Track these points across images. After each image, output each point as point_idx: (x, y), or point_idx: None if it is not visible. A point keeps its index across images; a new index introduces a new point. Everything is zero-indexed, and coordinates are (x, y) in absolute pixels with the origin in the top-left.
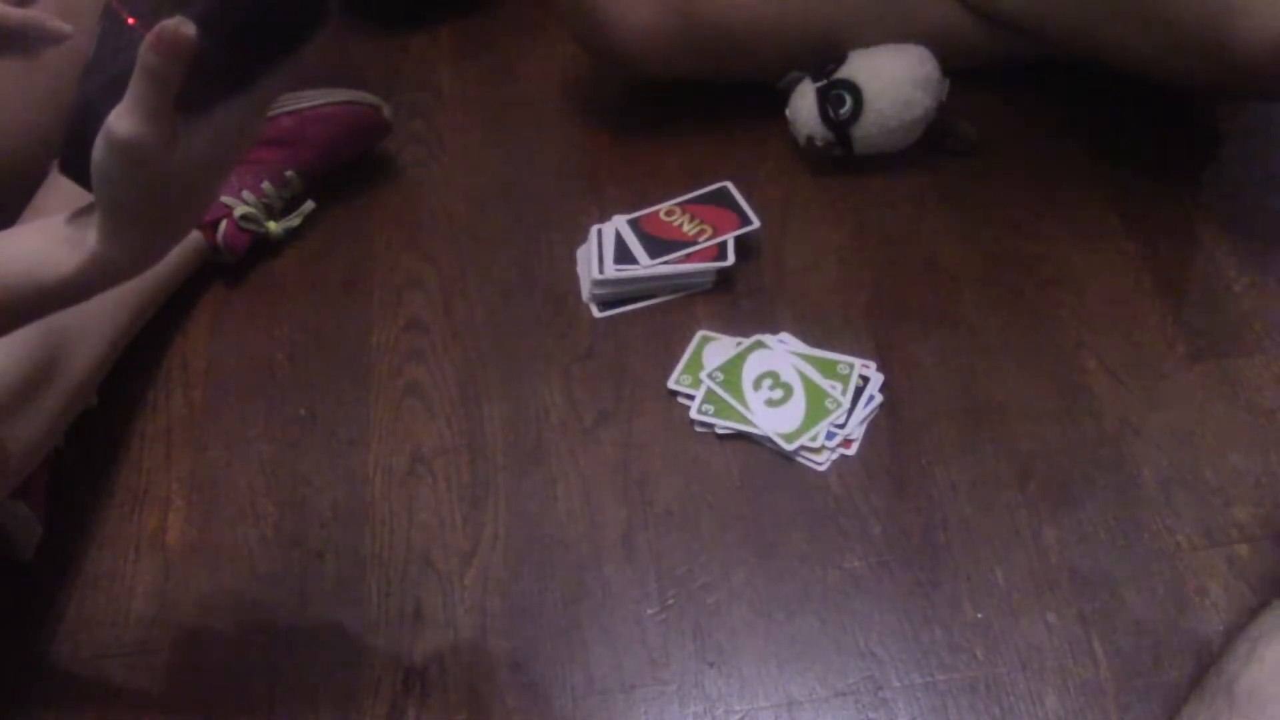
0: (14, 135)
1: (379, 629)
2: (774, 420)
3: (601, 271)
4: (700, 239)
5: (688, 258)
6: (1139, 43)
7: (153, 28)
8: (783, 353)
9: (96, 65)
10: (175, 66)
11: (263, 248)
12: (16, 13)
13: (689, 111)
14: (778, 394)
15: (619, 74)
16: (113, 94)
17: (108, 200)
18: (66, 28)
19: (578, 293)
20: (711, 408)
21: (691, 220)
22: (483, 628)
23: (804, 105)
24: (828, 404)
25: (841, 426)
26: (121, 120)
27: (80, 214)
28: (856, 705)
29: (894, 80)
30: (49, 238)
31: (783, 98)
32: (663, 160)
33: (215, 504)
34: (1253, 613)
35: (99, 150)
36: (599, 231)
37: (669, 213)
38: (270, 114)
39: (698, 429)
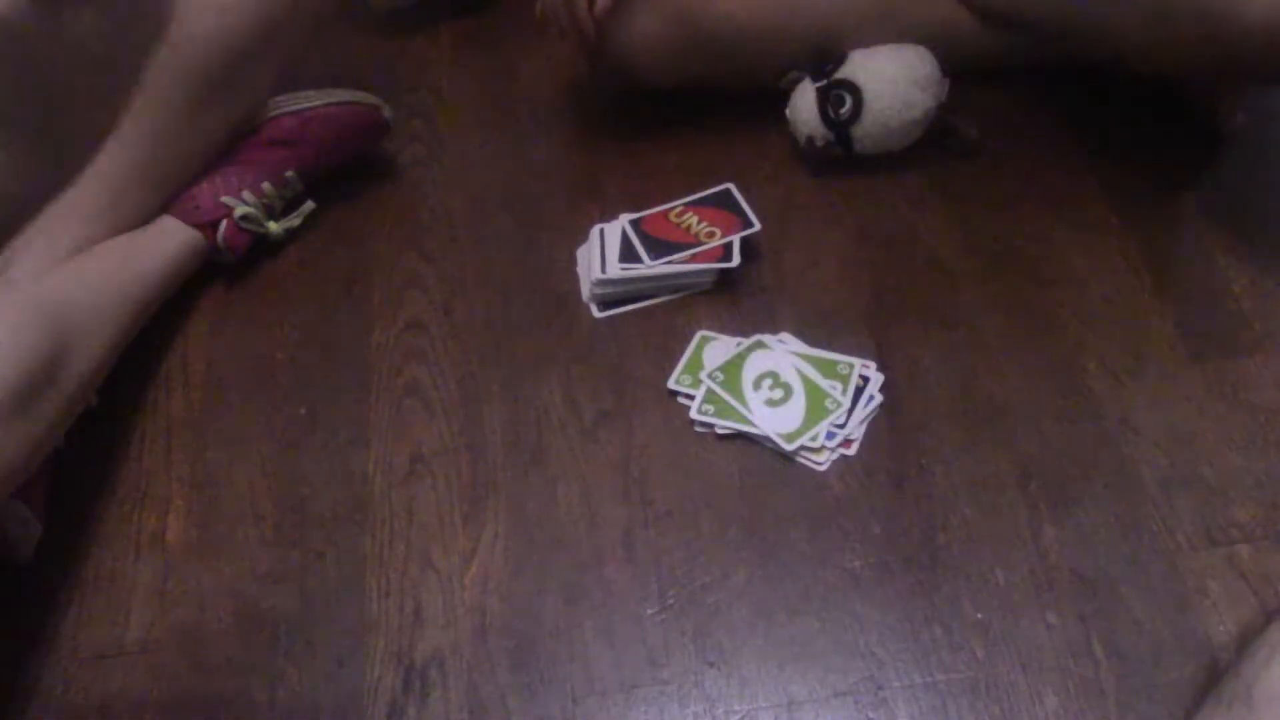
0: None
1: (379, 629)
2: (774, 420)
3: (604, 271)
4: (705, 240)
5: (693, 258)
6: (1133, 21)
7: None
8: (783, 353)
9: None
10: None
11: (263, 248)
12: None
13: (688, 111)
14: (778, 394)
15: (623, 86)
16: None
17: None
18: None
19: (578, 293)
20: (711, 408)
21: (699, 223)
22: (483, 628)
23: (804, 105)
24: (828, 404)
25: (841, 426)
26: None
27: None
28: (856, 705)
29: (894, 80)
30: None
31: (782, 98)
32: (662, 160)
33: (215, 504)
34: (1270, 615)
35: None
36: (601, 231)
37: (679, 214)
38: (270, 115)
39: (698, 429)
